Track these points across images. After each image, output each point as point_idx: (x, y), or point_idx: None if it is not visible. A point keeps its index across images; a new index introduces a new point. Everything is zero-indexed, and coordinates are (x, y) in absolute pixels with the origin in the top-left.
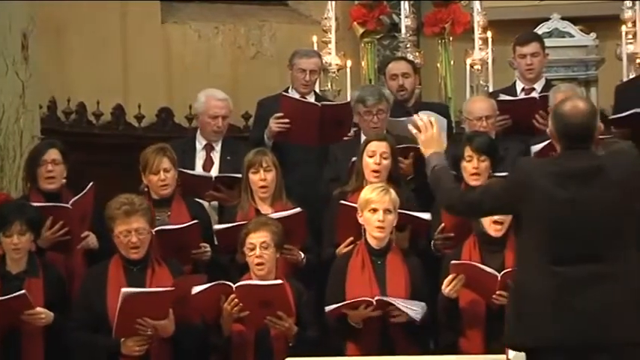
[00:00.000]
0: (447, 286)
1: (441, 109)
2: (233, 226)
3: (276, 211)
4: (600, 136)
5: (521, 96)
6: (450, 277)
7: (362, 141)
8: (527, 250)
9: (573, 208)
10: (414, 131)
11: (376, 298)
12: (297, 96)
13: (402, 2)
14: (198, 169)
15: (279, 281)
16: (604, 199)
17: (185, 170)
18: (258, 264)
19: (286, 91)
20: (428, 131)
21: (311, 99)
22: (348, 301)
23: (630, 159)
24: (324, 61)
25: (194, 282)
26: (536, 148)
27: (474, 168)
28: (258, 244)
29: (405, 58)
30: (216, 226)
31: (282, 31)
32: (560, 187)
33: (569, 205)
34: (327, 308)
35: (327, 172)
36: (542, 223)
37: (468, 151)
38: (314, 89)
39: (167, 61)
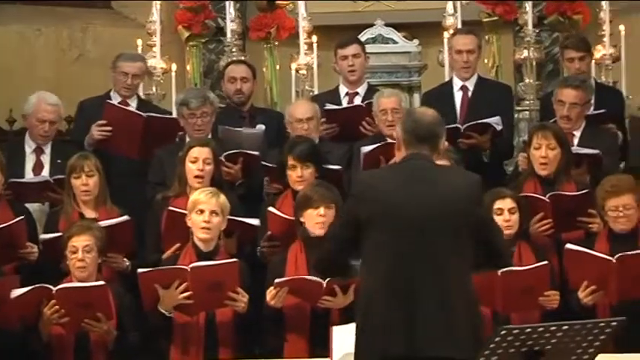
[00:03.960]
0: (272, 299)
1: (276, 117)
2: (59, 236)
3: (100, 216)
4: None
5: (345, 100)
6: (274, 291)
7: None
8: (371, 259)
9: (413, 218)
10: None
11: (191, 265)
12: (118, 99)
13: (227, 6)
14: (28, 173)
15: (100, 282)
16: (443, 204)
17: (19, 180)
18: (80, 267)
19: (108, 93)
20: None
21: (133, 103)
22: (161, 267)
23: (472, 175)
24: (148, 65)
25: (6, 284)
26: (365, 149)
27: (298, 177)
28: (81, 248)
29: (245, 62)
30: (42, 236)
31: (107, 33)
32: (400, 190)
33: (409, 215)
34: (140, 270)
35: (151, 175)
36: (384, 227)
37: (290, 160)
38: (137, 93)
39: None
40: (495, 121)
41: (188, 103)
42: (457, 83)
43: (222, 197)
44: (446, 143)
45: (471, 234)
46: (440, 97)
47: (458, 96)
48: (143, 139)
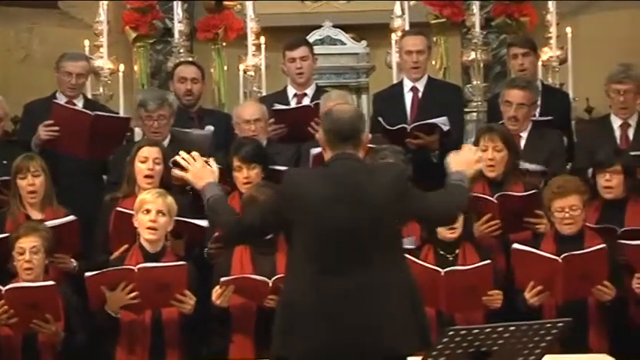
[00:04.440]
0: (218, 298)
1: (224, 118)
2: (3, 237)
3: (46, 217)
4: (370, 145)
5: (293, 101)
6: (220, 290)
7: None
8: (297, 261)
9: (341, 216)
10: (179, 173)
11: (139, 266)
12: (64, 99)
13: (175, 7)
14: None
15: (50, 282)
16: (371, 207)
17: None
18: (27, 268)
19: (54, 94)
20: (193, 166)
21: (79, 103)
22: (107, 269)
23: (395, 168)
24: (96, 65)
25: None
26: (315, 151)
27: (244, 178)
28: (28, 249)
29: (195, 63)
30: None
31: (53, 34)
32: (329, 196)
33: (337, 213)
34: (87, 274)
35: (110, 176)
36: (312, 231)
37: (236, 162)
38: (82, 93)
39: None
40: (442, 122)
41: (146, 104)
42: (407, 84)
43: (169, 198)
44: (369, 136)
45: (405, 224)
46: (390, 98)
47: (408, 97)
48: (91, 138)
